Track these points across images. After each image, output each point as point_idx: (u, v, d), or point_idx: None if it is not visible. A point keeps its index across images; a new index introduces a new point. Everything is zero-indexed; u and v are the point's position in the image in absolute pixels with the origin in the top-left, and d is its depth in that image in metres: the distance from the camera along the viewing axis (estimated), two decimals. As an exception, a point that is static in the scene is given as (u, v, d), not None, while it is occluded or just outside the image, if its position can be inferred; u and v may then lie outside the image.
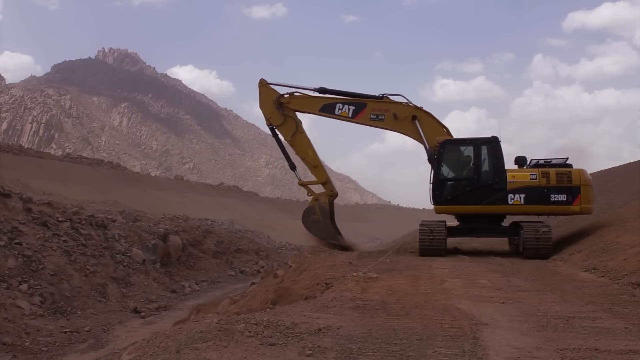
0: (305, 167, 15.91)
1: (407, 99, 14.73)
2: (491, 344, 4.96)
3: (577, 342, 5.02)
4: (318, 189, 15.77)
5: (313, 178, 15.93)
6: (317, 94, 15.38)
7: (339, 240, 15.39)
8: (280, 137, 15.75)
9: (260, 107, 15.89)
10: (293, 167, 16.23)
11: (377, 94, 14.82)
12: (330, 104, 15.00)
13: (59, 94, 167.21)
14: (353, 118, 14.84)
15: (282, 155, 16.77)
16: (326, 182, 15.62)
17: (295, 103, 15.43)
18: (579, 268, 10.04)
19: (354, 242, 16.15)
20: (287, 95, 15.44)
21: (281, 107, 15.33)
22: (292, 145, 15.66)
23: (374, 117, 14.67)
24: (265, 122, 15.94)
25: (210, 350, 4.55)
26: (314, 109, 15.37)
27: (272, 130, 15.76)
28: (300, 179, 16.02)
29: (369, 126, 15.38)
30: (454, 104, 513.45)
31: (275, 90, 15.68)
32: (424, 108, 14.63)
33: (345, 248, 15.43)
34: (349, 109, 14.83)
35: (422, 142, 14.14)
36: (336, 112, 14.93)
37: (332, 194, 15.53)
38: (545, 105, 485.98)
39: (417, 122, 14.21)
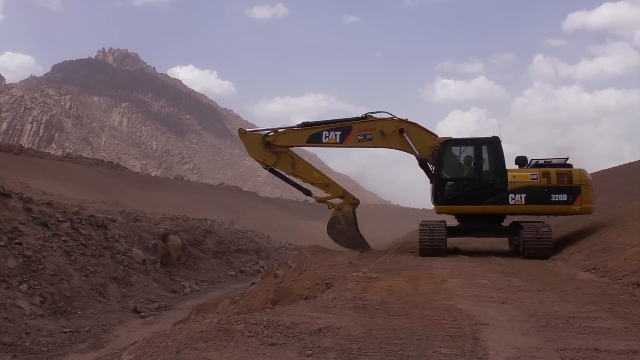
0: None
1: (390, 114, 14.69)
2: (491, 344, 4.96)
3: (577, 342, 5.02)
4: (337, 201, 15.54)
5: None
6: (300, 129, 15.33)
7: (368, 247, 15.11)
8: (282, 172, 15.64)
9: (250, 154, 15.80)
10: (308, 192, 16.11)
11: (359, 115, 14.78)
12: (316, 133, 14.89)
13: (59, 94, 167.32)
14: (341, 143, 14.72)
15: None
16: (343, 194, 15.44)
17: (281, 139, 15.30)
18: (579, 268, 10.05)
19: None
20: (272, 134, 15.34)
21: (269, 146, 15.23)
22: (296, 176, 15.53)
23: (362, 137, 14.59)
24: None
25: (210, 350, 4.55)
26: (300, 142, 15.35)
27: (271, 171, 15.65)
28: (317, 197, 15.84)
29: (359, 147, 15.33)
30: (454, 104, 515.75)
31: (257, 133, 15.63)
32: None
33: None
34: (335, 135, 14.73)
35: (412, 152, 14.13)
36: (324, 140, 14.81)
37: (355, 202, 15.35)
38: (545, 105, 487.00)
39: (404, 134, 14.19)
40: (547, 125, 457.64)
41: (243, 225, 39.20)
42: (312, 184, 15.60)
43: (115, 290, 16.70)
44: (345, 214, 15.11)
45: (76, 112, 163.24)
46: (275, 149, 15.27)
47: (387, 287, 8.02)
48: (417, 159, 14.02)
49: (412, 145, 14.07)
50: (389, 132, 14.33)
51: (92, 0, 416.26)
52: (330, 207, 15.56)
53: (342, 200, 15.37)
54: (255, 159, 15.76)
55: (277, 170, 15.58)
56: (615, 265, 9.05)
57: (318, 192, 16.08)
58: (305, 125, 15.22)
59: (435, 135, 14.34)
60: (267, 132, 15.46)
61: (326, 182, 15.48)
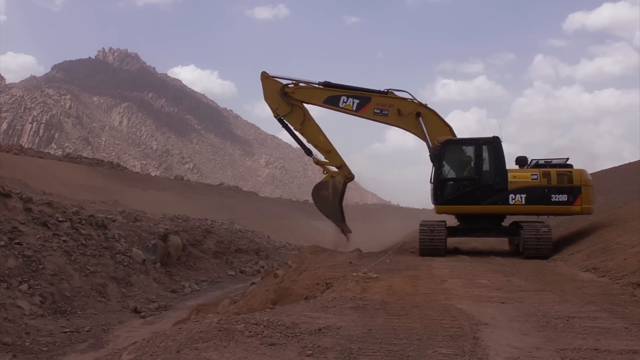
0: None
1: (412, 95, 14.69)
2: (491, 344, 4.96)
3: (577, 342, 5.02)
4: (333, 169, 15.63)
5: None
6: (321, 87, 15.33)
7: (342, 224, 15.22)
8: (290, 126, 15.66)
9: (265, 99, 15.79)
10: (309, 152, 16.12)
11: (382, 89, 14.79)
12: (334, 96, 14.91)
13: (59, 94, 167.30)
14: (357, 112, 14.76)
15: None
16: (342, 165, 15.43)
17: (300, 93, 15.33)
18: (579, 268, 10.04)
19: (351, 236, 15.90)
20: (292, 85, 15.35)
21: (286, 97, 15.23)
22: (302, 134, 15.54)
23: (378, 111, 14.60)
24: (272, 115, 15.76)
25: (210, 350, 4.55)
26: (318, 100, 15.26)
27: (280, 121, 15.64)
28: (315, 158, 15.85)
29: (373, 121, 15.30)
30: (454, 103, 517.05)
31: (278, 81, 15.59)
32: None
33: (344, 232, 15.39)
34: (353, 102, 14.75)
35: (424, 139, 14.09)
36: (340, 105, 14.84)
37: (349, 176, 15.39)
38: (545, 105, 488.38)
39: (420, 119, 14.16)
40: (548, 126, 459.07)
41: (243, 225, 39.13)
42: (315, 146, 15.61)
43: (115, 290, 16.69)
44: (335, 183, 15.15)
45: (76, 112, 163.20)
46: (292, 101, 15.27)
47: (387, 287, 8.02)
48: (428, 148, 13.97)
49: (425, 132, 14.05)
50: (406, 112, 14.32)
51: (95, 1, 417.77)
52: (325, 171, 15.59)
53: (338, 170, 15.38)
54: (269, 105, 15.75)
55: (286, 122, 15.57)
56: (615, 265, 9.05)
57: (320, 157, 16.09)
58: (327, 84, 15.20)
59: (451, 128, 14.29)
60: (288, 82, 15.44)
61: (329, 149, 15.46)
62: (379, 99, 14.62)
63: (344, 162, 15.57)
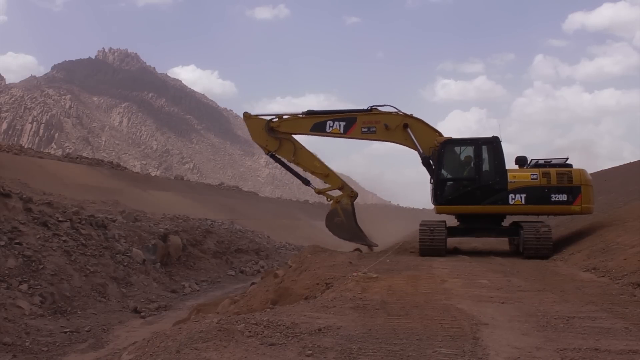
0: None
1: (396, 108, 14.69)
2: (491, 344, 4.96)
3: (577, 342, 5.02)
4: (336, 193, 15.59)
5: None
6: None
7: (366, 240, 15.22)
8: (283, 159, 15.68)
9: (253, 139, 15.84)
10: (307, 182, 16.16)
11: (365, 107, 14.79)
12: (320, 122, 14.89)
13: (59, 94, 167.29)
14: (345, 134, 14.74)
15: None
16: (342, 186, 15.45)
17: (285, 126, 15.31)
18: (579, 268, 10.05)
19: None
20: (276, 120, 15.36)
21: (273, 132, 15.25)
22: (297, 164, 15.51)
23: (366, 130, 14.61)
24: (263, 152, 15.84)
25: (210, 350, 4.55)
26: (304, 129, 15.28)
27: (272, 157, 15.68)
28: (316, 188, 15.88)
29: (362, 140, 15.33)
30: (454, 104, 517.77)
31: (262, 118, 15.62)
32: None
33: (371, 247, 15.38)
34: (340, 125, 14.73)
35: (415, 148, 14.13)
36: (327, 130, 14.81)
37: (353, 195, 15.36)
38: (545, 105, 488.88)
39: (408, 129, 14.19)
40: (548, 126, 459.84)
41: (243, 225, 39.11)
42: (313, 173, 15.58)
43: (115, 290, 16.70)
44: (343, 206, 15.13)
45: (76, 112, 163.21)
46: (279, 135, 15.27)
47: (387, 287, 8.02)
48: (419, 156, 14.01)
49: (415, 142, 14.08)
50: (393, 126, 14.33)
51: (95, 1, 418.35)
52: (328, 199, 15.60)
53: (340, 193, 15.38)
54: (258, 144, 15.77)
55: (279, 157, 15.61)
56: (615, 265, 9.05)
57: (317, 183, 16.11)
58: (310, 113, 15.24)
59: (440, 133, 14.34)
60: (271, 117, 15.47)
61: (326, 173, 15.44)
62: (365, 117, 14.63)
63: (344, 182, 15.59)
